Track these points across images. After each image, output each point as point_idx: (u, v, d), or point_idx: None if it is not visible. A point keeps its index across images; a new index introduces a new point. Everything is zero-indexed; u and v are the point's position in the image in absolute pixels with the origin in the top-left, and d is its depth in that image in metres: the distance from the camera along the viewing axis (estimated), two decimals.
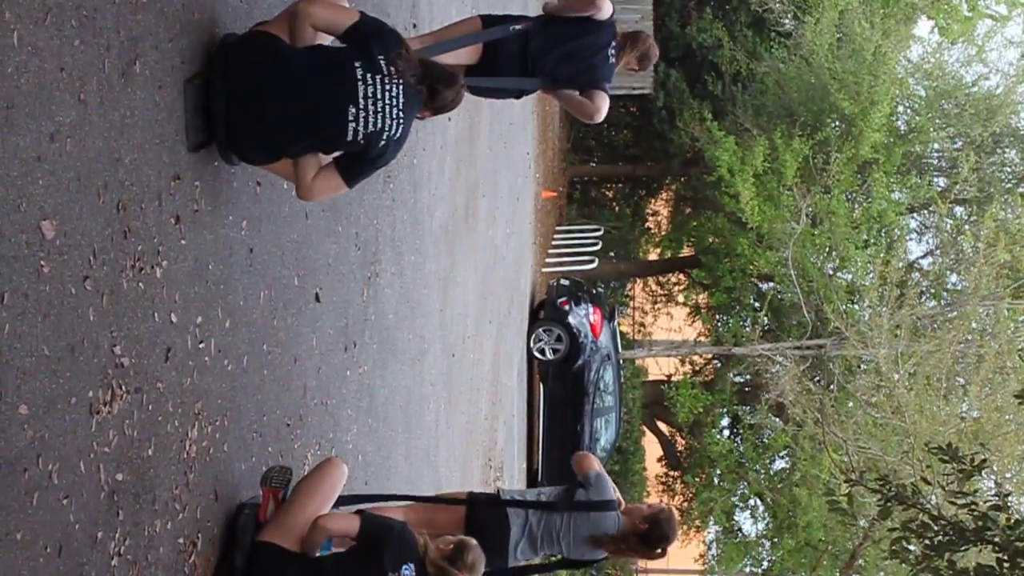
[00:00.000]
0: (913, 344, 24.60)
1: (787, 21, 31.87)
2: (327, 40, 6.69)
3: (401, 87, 6.45)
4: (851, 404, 26.20)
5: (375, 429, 10.40)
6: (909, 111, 30.32)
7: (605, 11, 8.83)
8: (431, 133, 12.88)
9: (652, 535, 8.43)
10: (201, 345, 6.35)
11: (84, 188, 5.06)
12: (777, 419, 30.28)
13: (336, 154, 6.65)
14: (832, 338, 26.23)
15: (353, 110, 6.31)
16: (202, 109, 6.28)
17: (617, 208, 39.28)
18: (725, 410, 33.07)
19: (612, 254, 38.89)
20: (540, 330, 24.03)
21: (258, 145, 6.46)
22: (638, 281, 41.98)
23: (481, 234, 16.62)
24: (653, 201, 40.58)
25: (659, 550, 8.52)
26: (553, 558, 9.10)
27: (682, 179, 36.07)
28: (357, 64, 6.34)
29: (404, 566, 6.70)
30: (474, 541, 7.03)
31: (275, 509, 6.87)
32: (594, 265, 29.30)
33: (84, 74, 5.05)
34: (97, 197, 5.17)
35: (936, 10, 32.24)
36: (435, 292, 13.37)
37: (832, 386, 26.88)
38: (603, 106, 9.07)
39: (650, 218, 40.92)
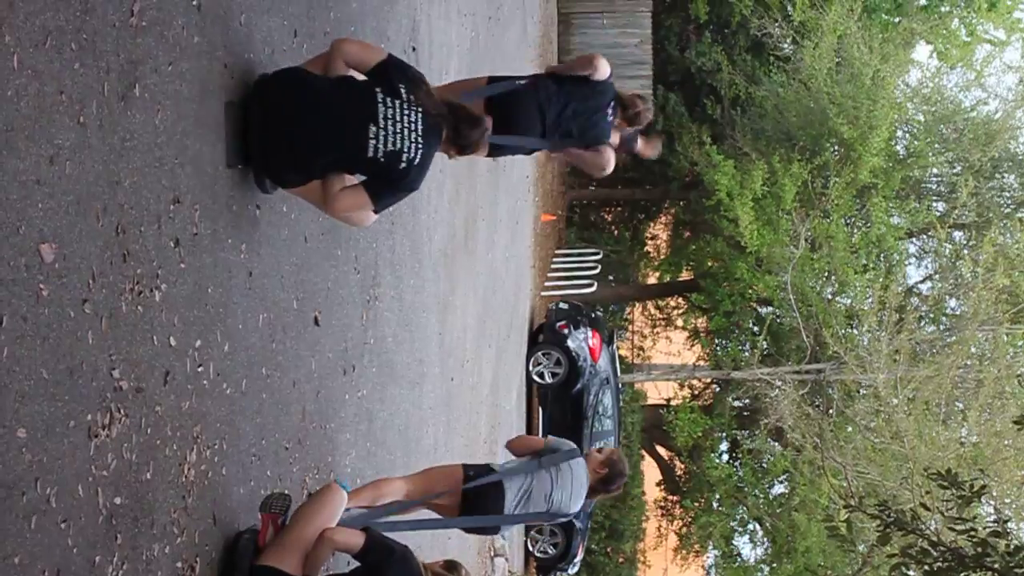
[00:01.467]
0: (912, 369, 24.57)
1: (786, 45, 31.89)
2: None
3: (420, 114, 7.00)
4: (850, 429, 26.15)
5: (374, 453, 10.39)
6: (908, 136, 30.31)
7: (603, 72, 9.39)
8: None
9: (611, 476, 9.30)
10: (200, 368, 6.34)
11: (83, 211, 5.06)
12: (776, 444, 30.23)
13: (362, 178, 7.15)
14: (831, 363, 26.20)
15: (373, 128, 6.87)
16: (240, 135, 6.86)
17: (616, 232, 39.27)
18: (724, 434, 33.02)
19: (611, 278, 38.86)
20: (539, 354, 24.00)
21: (290, 168, 7.02)
22: (637, 305, 41.95)
23: (480, 258, 16.62)
24: (652, 225, 40.58)
25: (617, 487, 9.48)
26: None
27: (681, 203, 36.07)
28: (378, 89, 6.96)
29: None
30: (461, 564, 7.33)
31: (274, 534, 6.88)
32: (593, 289, 29.27)
33: (84, 97, 5.05)
34: (96, 220, 5.17)
35: (935, 35, 32.29)
36: (434, 316, 13.36)
37: (831, 411, 26.82)
38: (611, 159, 9.78)
39: (649, 242, 40.92)
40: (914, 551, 10.09)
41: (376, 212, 7.29)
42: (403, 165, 7.00)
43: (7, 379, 4.54)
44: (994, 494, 21.65)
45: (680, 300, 38.62)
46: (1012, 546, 9.60)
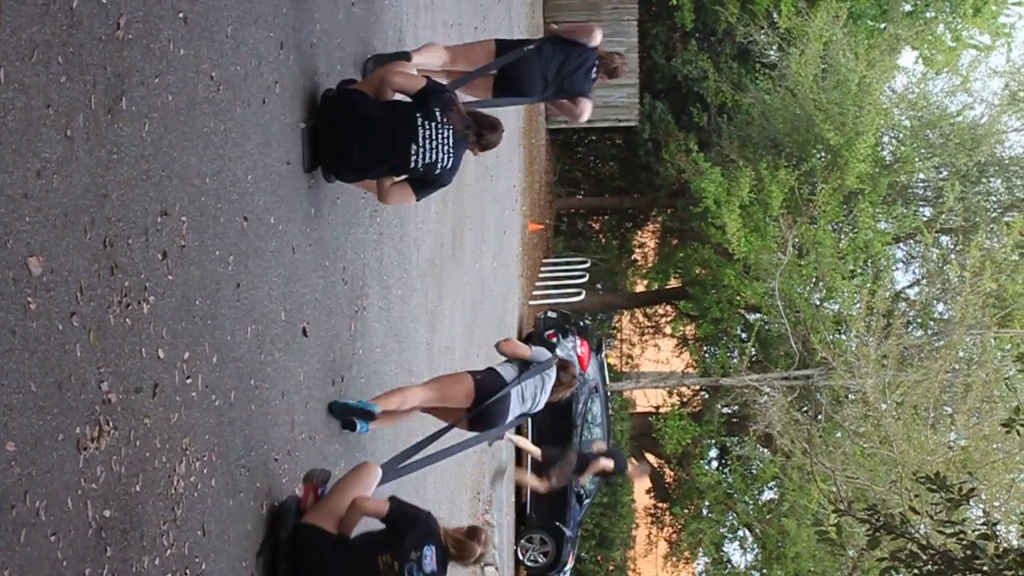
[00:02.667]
0: (900, 374, 24.60)
1: (772, 52, 31.93)
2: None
3: (451, 131, 8.99)
4: (839, 434, 26.18)
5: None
6: (894, 141, 30.36)
7: (597, 39, 11.38)
8: None
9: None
10: (188, 381, 6.35)
11: (71, 224, 5.07)
12: (765, 450, 30.24)
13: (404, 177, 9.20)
14: (819, 368, 26.23)
15: (415, 147, 8.86)
16: (311, 143, 8.73)
17: (604, 240, 39.30)
18: (713, 441, 33.04)
19: (599, 286, 38.88)
20: None
21: (350, 170, 9.10)
22: (625, 313, 41.94)
23: (468, 267, 16.63)
24: (640, 233, 40.60)
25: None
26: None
27: (668, 211, 36.09)
28: (418, 115, 8.85)
29: (426, 547, 7.81)
30: (482, 529, 8.42)
31: (314, 501, 8.08)
32: (581, 297, 29.28)
33: (71, 110, 5.06)
34: (84, 233, 5.18)
35: (920, 41, 32.35)
36: (422, 326, 13.37)
37: (820, 416, 26.86)
38: (588, 109, 11.65)
39: (637, 250, 40.93)
40: (903, 555, 10.12)
41: (417, 199, 9.58)
42: (438, 171, 9.11)
43: None
44: (983, 497, 21.67)
45: (668, 308, 38.64)
46: (1001, 549, 9.63)
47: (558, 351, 23.61)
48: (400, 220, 12.07)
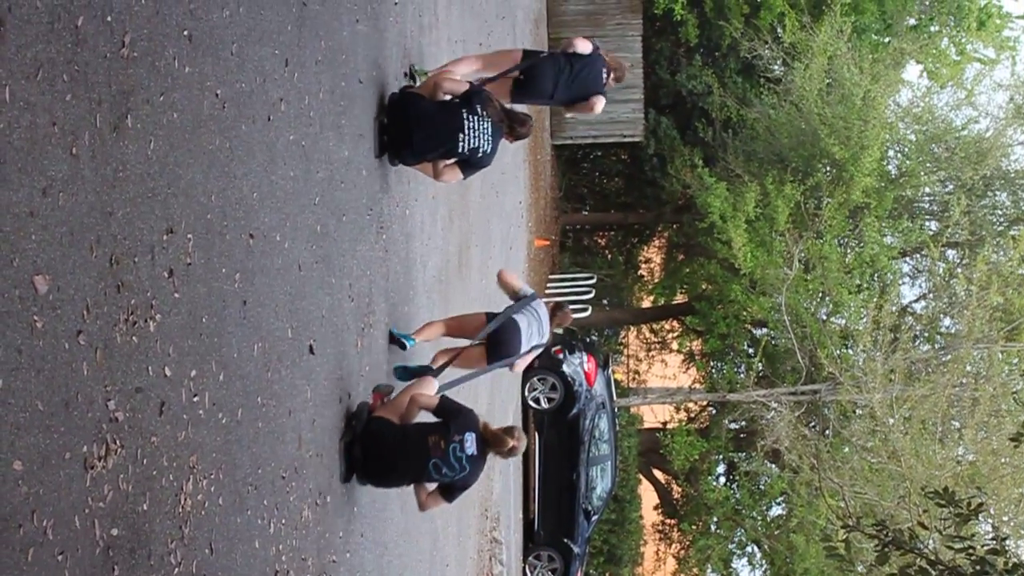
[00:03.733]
0: (908, 388, 24.57)
1: (776, 67, 31.98)
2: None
3: (489, 123, 11.12)
4: (847, 449, 26.16)
5: None
6: (900, 155, 30.38)
7: (582, 48, 12.90)
8: (422, 183, 12.90)
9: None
10: (195, 399, 6.34)
11: (77, 242, 5.06)
12: (773, 465, 30.23)
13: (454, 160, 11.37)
14: (826, 383, 26.20)
15: (462, 136, 10.97)
16: (379, 134, 10.93)
17: (610, 256, 39.35)
18: (721, 457, 33.02)
19: (605, 302, 38.90)
20: (535, 379, 24.00)
21: (411, 154, 11.20)
22: (632, 329, 41.97)
23: (474, 283, 16.62)
24: (646, 248, 40.65)
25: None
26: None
27: (674, 226, 36.14)
28: (464, 110, 10.99)
29: (467, 433, 9.82)
30: (517, 427, 10.48)
31: (381, 404, 10.25)
32: (588, 313, 29.29)
33: (76, 128, 5.05)
34: (90, 251, 5.17)
35: (925, 55, 32.38)
36: (429, 343, 13.35)
37: (827, 431, 26.83)
38: (600, 105, 13.26)
39: (643, 265, 40.98)
40: (913, 570, 10.10)
41: (463, 178, 11.85)
42: (480, 155, 11.24)
43: (2, 411, 4.53)
44: (992, 512, 21.65)
45: (675, 323, 38.67)
46: (1011, 564, 9.61)
47: (565, 367, 23.65)
48: (406, 237, 12.07)
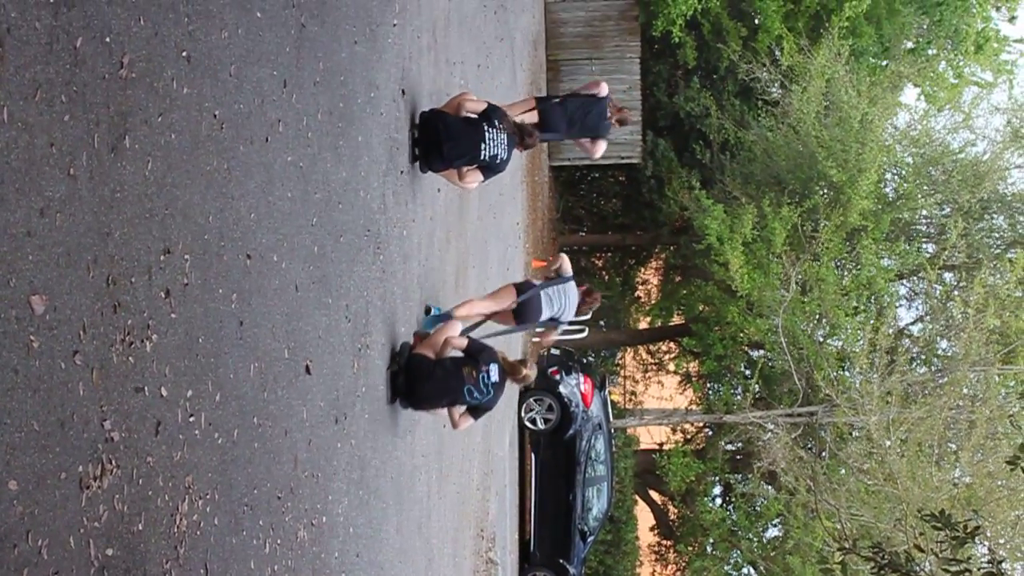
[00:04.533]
0: (904, 410, 24.57)
1: (774, 90, 32.00)
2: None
3: (505, 134, 12.92)
4: (843, 471, 26.16)
5: (366, 501, 10.37)
6: (897, 178, 30.41)
7: (603, 91, 15.75)
8: (421, 204, 12.93)
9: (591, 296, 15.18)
10: (191, 419, 6.34)
11: (74, 263, 5.07)
12: (769, 487, 30.22)
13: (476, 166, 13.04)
14: (823, 405, 26.20)
15: (483, 145, 12.69)
16: (412, 146, 12.57)
17: (607, 277, 39.34)
18: (717, 478, 33.01)
19: (602, 323, 38.91)
20: (531, 400, 24.01)
21: (440, 162, 12.80)
22: (628, 350, 41.98)
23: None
24: (643, 270, 40.65)
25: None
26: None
27: (671, 248, 36.14)
28: (484, 124, 12.73)
29: (491, 364, 11.98)
30: (530, 360, 13.84)
31: (418, 343, 12.11)
32: (584, 334, 29.26)
33: (74, 149, 5.07)
34: (87, 272, 5.18)
35: (922, 78, 32.43)
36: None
37: (824, 453, 26.83)
38: (602, 148, 16.16)
39: (640, 287, 40.98)
40: None
41: (484, 181, 13.36)
42: (498, 161, 12.96)
43: None
44: (988, 535, 21.62)
45: (671, 344, 38.68)
46: None
47: (561, 388, 23.67)
48: (403, 258, 12.09)
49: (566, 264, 14.80)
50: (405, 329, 12.28)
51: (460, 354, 12.08)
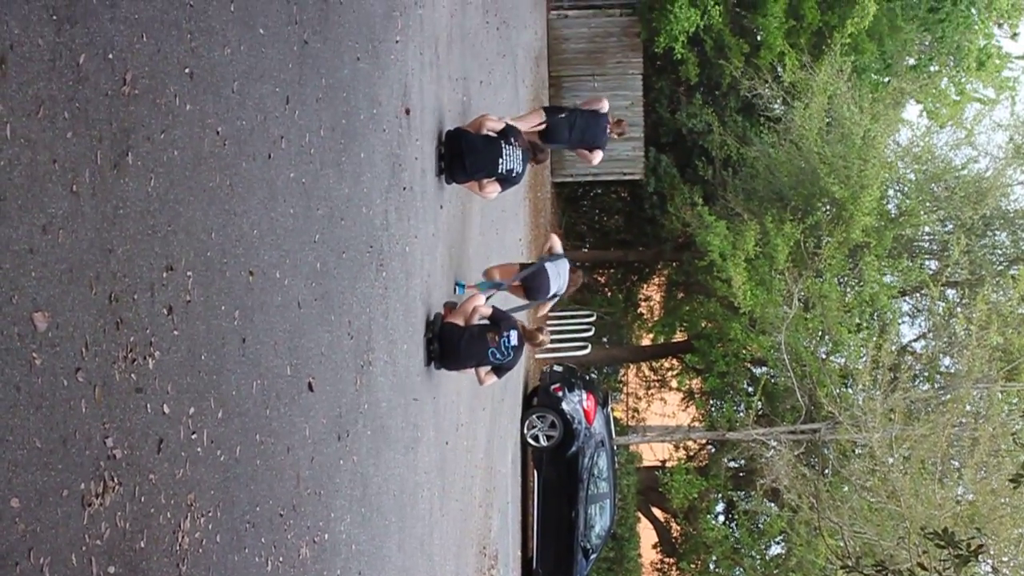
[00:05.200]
0: (907, 428, 24.52)
1: (776, 106, 31.99)
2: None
3: (520, 150, 14.51)
4: (846, 488, 26.11)
5: (368, 518, 10.35)
6: (899, 195, 30.40)
7: (605, 107, 17.39)
8: (423, 220, 12.93)
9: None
10: (194, 436, 6.33)
11: (76, 280, 5.06)
12: (772, 504, 30.17)
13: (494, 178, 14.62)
14: (826, 422, 26.16)
15: (500, 160, 14.29)
16: (438, 160, 14.06)
17: (609, 293, 39.32)
18: (720, 495, 32.95)
19: (605, 340, 38.87)
20: (534, 416, 23.98)
21: (463, 175, 14.39)
22: (631, 367, 41.94)
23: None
24: (645, 286, 40.64)
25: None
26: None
27: (674, 264, 36.14)
28: (501, 141, 14.31)
29: (512, 330, 14.00)
30: (544, 328, 15.42)
31: (448, 313, 13.91)
32: (587, 351, 29.28)
33: (77, 166, 5.06)
34: (89, 288, 5.17)
35: (925, 94, 32.44)
36: (428, 380, 13.35)
37: (827, 471, 26.78)
38: (599, 157, 17.66)
39: (642, 303, 40.96)
40: None
41: (502, 191, 15.01)
42: (514, 174, 14.59)
43: (0, 448, 4.52)
44: (991, 552, 21.57)
45: (674, 361, 38.62)
46: None
47: (564, 405, 23.65)
48: (406, 274, 12.08)
49: (557, 243, 16.50)
50: (436, 301, 14.02)
51: (485, 321, 14.01)
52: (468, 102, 16.63)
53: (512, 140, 14.53)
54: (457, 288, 15.54)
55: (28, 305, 4.71)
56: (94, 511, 5.22)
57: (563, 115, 17.27)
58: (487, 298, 14.70)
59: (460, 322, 13.84)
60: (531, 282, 16.09)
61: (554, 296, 16.45)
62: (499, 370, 14.57)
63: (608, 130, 17.38)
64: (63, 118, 4.97)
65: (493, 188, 14.80)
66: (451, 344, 13.63)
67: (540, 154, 16.01)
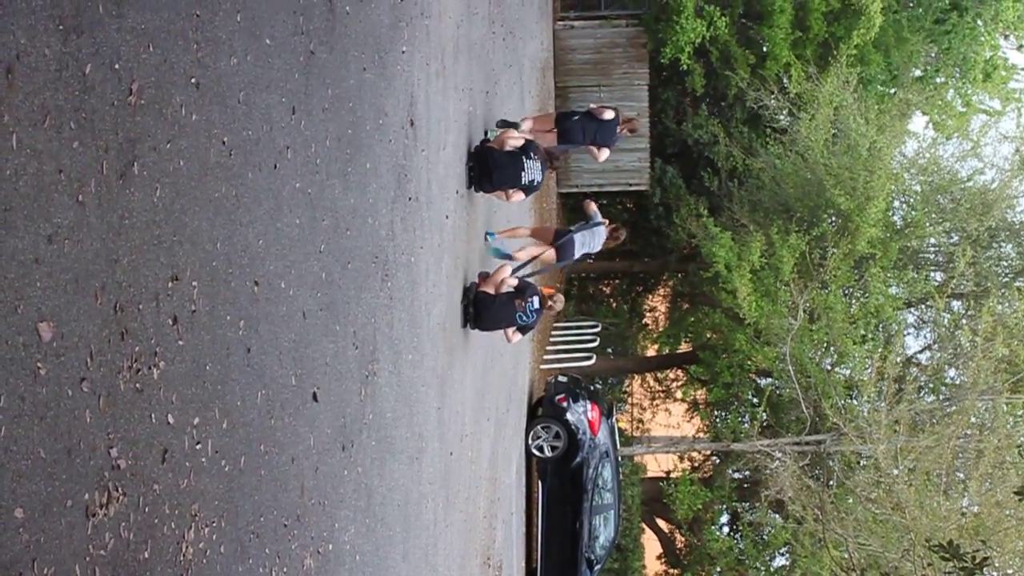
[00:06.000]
0: (912, 439, 24.50)
1: (782, 117, 31.98)
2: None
3: (539, 162, 16.20)
4: (851, 500, 26.07)
5: (373, 529, 10.34)
6: (905, 206, 30.39)
7: (608, 115, 18.82)
8: (428, 231, 12.92)
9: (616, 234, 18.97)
10: (198, 446, 6.32)
11: (82, 290, 5.06)
12: (777, 515, 30.12)
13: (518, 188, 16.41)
14: (831, 434, 26.13)
15: (523, 172, 16.01)
16: (468, 173, 15.91)
17: (615, 304, 39.33)
18: (724, 507, 32.93)
19: (610, 350, 38.88)
20: (538, 427, 23.96)
21: (490, 186, 16.23)
22: (636, 377, 41.93)
23: (478, 332, 16.62)
24: (650, 297, 40.64)
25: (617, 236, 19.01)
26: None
27: (679, 275, 36.13)
28: (523, 155, 16.04)
29: (534, 296, 16.21)
30: (560, 295, 17.73)
31: (481, 283, 16.14)
32: (592, 361, 29.27)
33: (83, 176, 5.06)
34: (95, 298, 5.17)
35: (931, 106, 32.42)
36: (433, 390, 13.35)
37: (831, 482, 26.75)
38: (605, 155, 19.40)
39: (647, 314, 40.96)
40: None
41: (524, 198, 16.78)
42: (535, 184, 16.37)
43: (4, 458, 4.52)
44: (996, 565, 21.54)
45: (679, 372, 38.64)
46: None
47: (568, 416, 23.64)
48: (411, 284, 12.07)
49: (593, 209, 18.72)
50: (471, 274, 16.51)
51: (512, 289, 16.23)
52: (474, 112, 16.65)
53: (532, 154, 16.35)
54: (488, 237, 18.09)
55: (33, 315, 4.71)
56: (98, 521, 5.21)
57: (576, 118, 19.10)
58: (512, 271, 16.74)
59: (491, 290, 16.16)
60: (562, 247, 18.24)
61: (588, 256, 19.20)
62: (524, 329, 16.87)
63: (620, 129, 19.13)
64: (69, 128, 4.97)
65: (518, 196, 16.74)
66: (484, 309, 16.04)
67: (556, 161, 17.47)
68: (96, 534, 5.20)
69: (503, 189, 16.53)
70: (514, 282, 16.44)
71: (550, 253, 18.30)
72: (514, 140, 16.40)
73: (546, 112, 21.41)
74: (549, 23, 31.22)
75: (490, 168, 16.19)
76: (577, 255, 18.52)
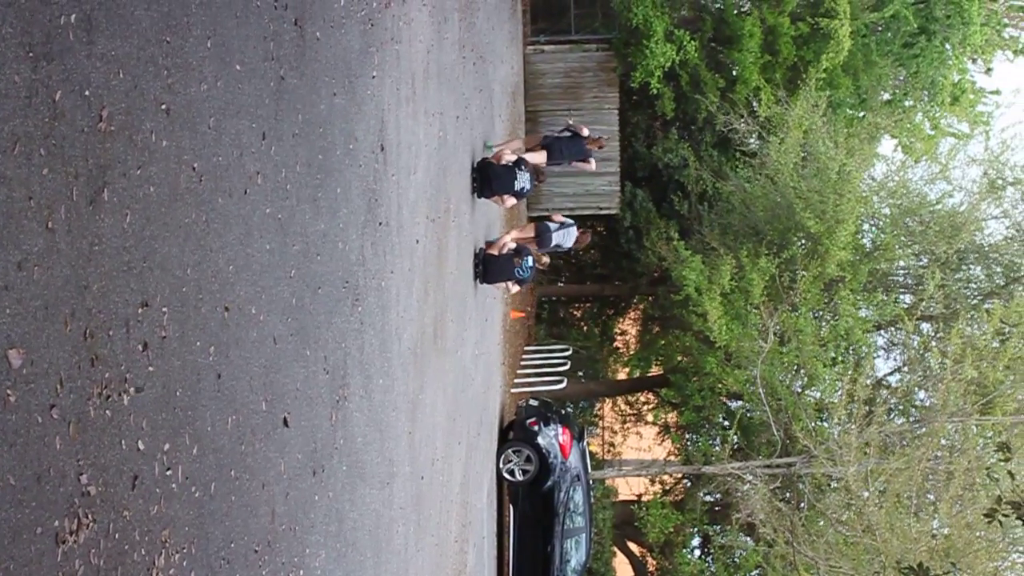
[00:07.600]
0: (882, 461, 24.56)
1: (752, 141, 32.07)
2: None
3: (528, 173, 20.47)
4: (822, 523, 26.11)
5: (344, 554, 10.33)
6: (874, 229, 30.47)
7: (586, 131, 22.90)
8: (399, 256, 12.92)
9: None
10: (168, 472, 6.31)
11: (51, 316, 5.05)
12: (748, 538, 30.15)
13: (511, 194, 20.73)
14: (801, 456, 26.18)
15: (516, 182, 20.19)
16: (472, 183, 19.90)
17: (585, 328, 39.33)
18: (696, 529, 32.92)
19: (581, 374, 38.86)
20: (509, 451, 23.94)
21: (489, 193, 20.24)
22: (607, 401, 41.93)
23: (450, 355, 16.63)
24: (621, 320, 40.65)
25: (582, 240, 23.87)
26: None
27: (649, 298, 36.16)
28: (516, 168, 20.25)
29: (528, 256, 20.94)
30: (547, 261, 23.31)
31: (488, 247, 21.02)
32: (563, 385, 29.26)
33: (52, 202, 5.06)
34: (64, 325, 5.16)
35: (899, 129, 32.55)
36: (404, 415, 13.34)
37: (802, 505, 26.79)
38: (593, 165, 23.16)
39: (618, 337, 40.96)
40: None
41: (516, 202, 21.06)
42: (525, 190, 20.49)
43: None
44: None
45: (650, 395, 38.65)
46: None
47: (539, 439, 23.65)
48: (382, 309, 12.07)
49: (559, 216, 23.48)
50: (482, 247, 20.65)
51: (511, 252, 20.84)
52: (445, 137, 16.65)
53: (523, 167, 20.45)
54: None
55: (3, 342, 4.71)
56: (68, 548, 5.20)
57: (554, 137, 23.13)
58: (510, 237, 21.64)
59: (495, 252, 20.81)
60: (542, 237, 22.69)
61: (559, 247, 23.12)
62: (521, 282, 21.60)
63: (589, 148, 22.90)
64: (39, 155, 4.97)
65: (511, 201, 20.73)
66: (490, 267, 20.70)
67: (541, 175, 21.78)
68: (66, 561, 5.18)
69: (500, 195, 20.40)
70: (513, 246, 21.25)
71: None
72: (509, 156, 20.56)
73: (535, 135, 24.87)
74: (519, 47, 31.29)
75: (490, 178, 20.16)
76: (552, 244, 22.78)
